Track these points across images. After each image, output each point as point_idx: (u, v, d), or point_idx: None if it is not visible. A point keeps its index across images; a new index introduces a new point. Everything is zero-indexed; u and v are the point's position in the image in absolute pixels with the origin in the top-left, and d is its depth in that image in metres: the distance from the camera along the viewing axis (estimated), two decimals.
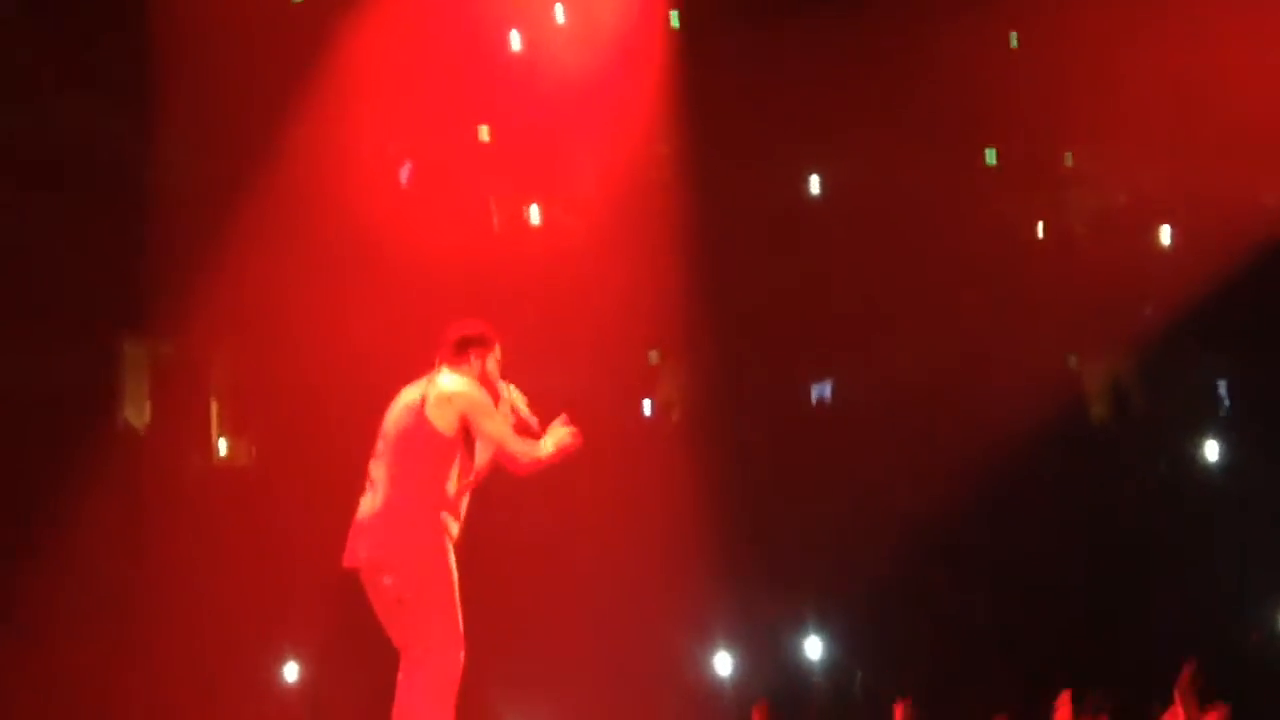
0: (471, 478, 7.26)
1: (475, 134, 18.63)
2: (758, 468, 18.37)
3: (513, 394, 7.52)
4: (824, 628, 18.95)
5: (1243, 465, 20.62)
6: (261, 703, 15.39)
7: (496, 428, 7.18)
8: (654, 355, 21.16)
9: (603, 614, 16.38)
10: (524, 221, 19.41)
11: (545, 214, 19.63)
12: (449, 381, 7.22)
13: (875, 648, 18.54)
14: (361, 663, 15.27)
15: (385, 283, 16.22)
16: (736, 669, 18.57)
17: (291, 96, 16.60)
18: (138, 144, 17.24)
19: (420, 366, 7.54)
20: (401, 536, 7.03)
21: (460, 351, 7.40)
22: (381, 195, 17.68)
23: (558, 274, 17.70)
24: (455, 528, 7.21)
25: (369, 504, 7.18)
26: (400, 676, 7.06)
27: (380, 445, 7.26)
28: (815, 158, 20.68)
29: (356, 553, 7.15)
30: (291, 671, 16.76)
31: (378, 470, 7.20)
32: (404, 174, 18.94)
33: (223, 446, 18.80)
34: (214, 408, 18.91)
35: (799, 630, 18.95)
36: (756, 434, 18.85)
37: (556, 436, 7.30)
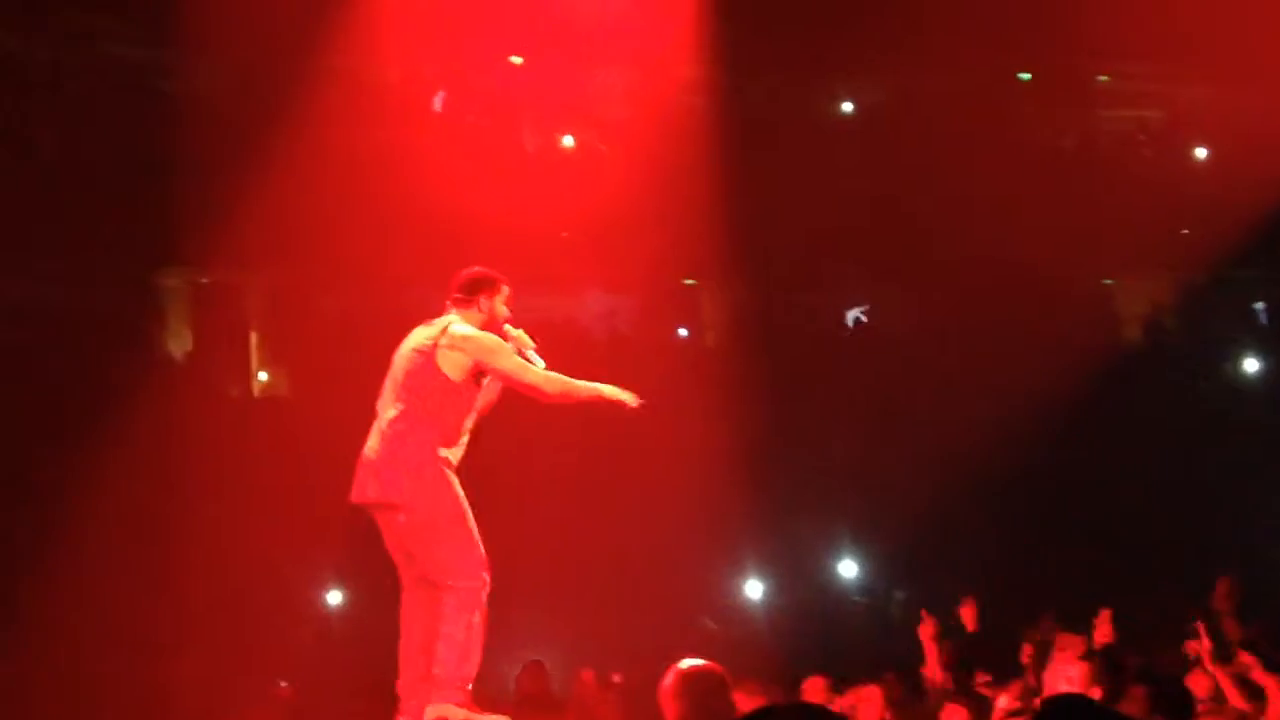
0: (472, 418, 7.29)
1: (508, 60, 18.51)
2: (791, 392, 18.27)
3: (520, 336, 7.55)
4: (859, 551, 18.93)
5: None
6: (298, 630, 15.44)
7: (512, 364, 7.25)
8: (690, 280, 21.12)
9: (638, 538, 16.37)
10: (557, 147, 19.32)
11: (579, 140, 19.54)
12: (460, 328, 7.27)
13: (910, 571, 18.52)
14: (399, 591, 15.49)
15: (420, 209, 16.14)
16: (770, 592, 18.59)
17: (326, 24, 16.49)
18: (175, 74, 17.20)
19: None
20: (406, 474, 7.11)
21: (470, 295, 7.43)
22: (416, 122, 17.60)
23: (591, 200, 17.58)
24: (456, 458, 7.26)
25: (374, 443, 7.24)
26: (436, 608, 7.12)
27: (387, 385, 7.32)
28: (849, 80, 20.51)
29: (365, 490, 7.22)
30: (333, 598, 16.86)
31: (384, 409, 7.27)
32: (438, 101, 18.87)
33: (262, 377, 18.87)
34: (253, 339, 18.96)
35: (834, 553, 18.93)
36: (791, 358, 18.74)
37: (611, 389, 7.38)
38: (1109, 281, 21.68)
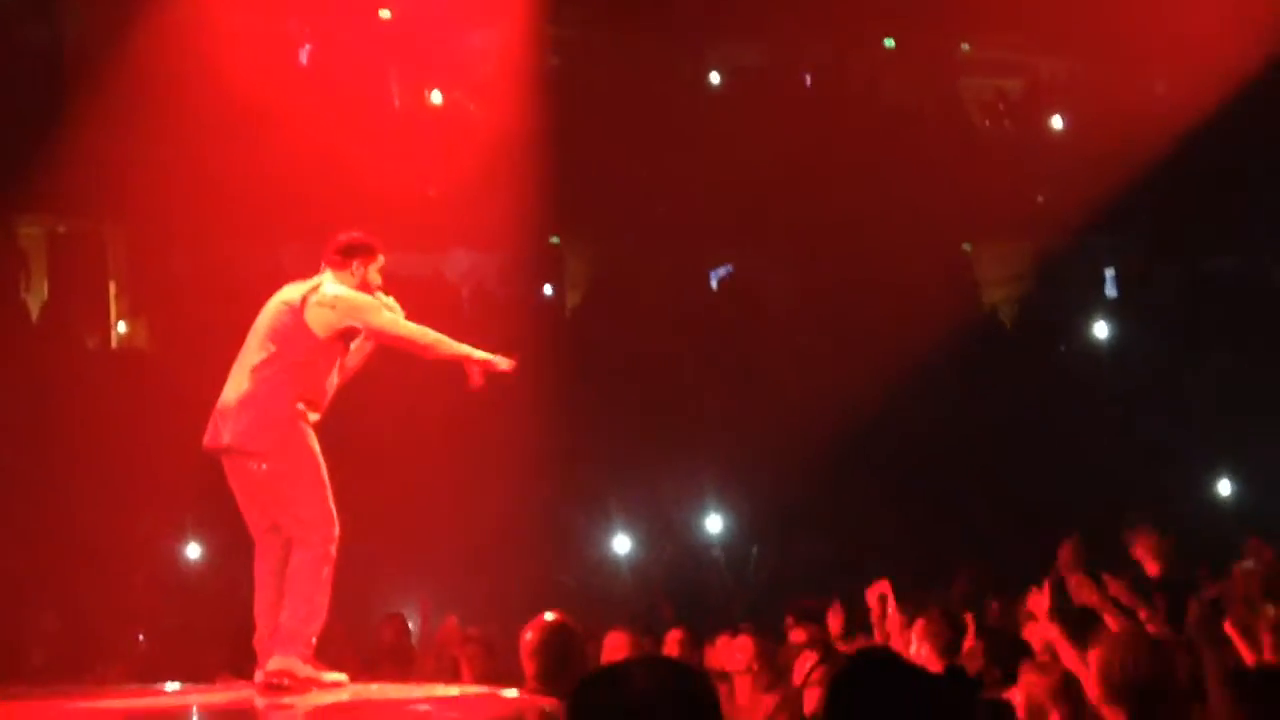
0: (335, 379, 7.35)
1: (376, 15, 18.33)
2: (657, 351, 18.35)
3: (390, 304, 7.57)
4: (725, 508, 19.06)
5: (1130, 347, 20.97)
6: (158, 582, 15.25)
7: (384, 320, 7.32)
8: (555, 239, 21.10)
9: (503, 498, 16.37)
10: (426, 104, 19.18)
11: (447, 97, 19.40)
12: (332, 287, 7.29)
13: (772, 528, 18.70)
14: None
15: (286, 163, 15.94)
16: (636, 548, 18.68)
17: None
18: (38, 21, 16.84)
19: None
20: (265, 423, 7.13)
21: (345, 258, 7.42)
22: (282, 75, 17.37)
23: (458, 158, 17.48)
24: (315, 416, 7.28)
25: (233, 390, 7.23)
26: (286, 559, 7.18)
27: (251, 336, 7.32)
28: (717, 43, 20.56)
29: (218, 436, 7.21)
30: (192, 550, 16.67)
31: (245, 359, 7.27)
32: (304, 54, 18.65)
33: (121, 328, 18.58)
34: (112, 289, 18.65)
35: (700, 510, 19.06)
36: (655, 317, 18.81)
37: (482, 353, 7.46)
38: (967, 247, 21.99)
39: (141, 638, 14.21)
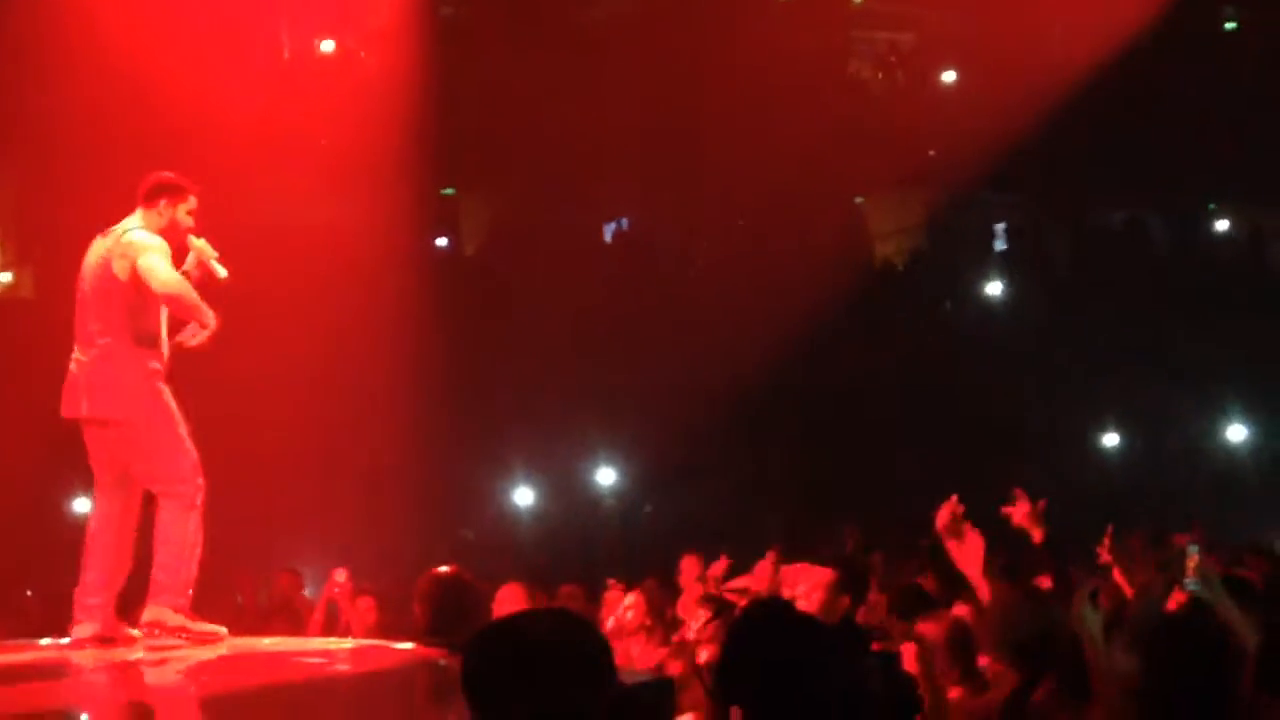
0: (165, 319, 7.23)
1: None
2: (550, 303, 18.31)
3: (203, 246, 7.43)
4: (618, 463, 19.12)
5: (1019, 302, 21.23)
6: (46, 539, 15.01)
7: (146, 262, 7.06)
8: (449, 190, 20.98)
9: (401, 451, 16.31)
10: (316, 52, 18.96)
11: (339, 46, 19.19)
12: (131, 235, 7.15)
13: (663, 481, 18.80)
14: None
15: (173, 111, 15.68)
16: (534, 501, 18.71)
17: None
18: None
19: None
20: (117, 390, 7.10)
21: (151, 199, 7.30)
22: (169, 24, 17.07)
23: (349, 107, 17.31)
24: (161, 364, 7.22)
25: (82, 357, 7.18)
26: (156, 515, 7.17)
27: (81, 301, 7.22)
28: None
29: (76, 406, 7.18)
30: (80, 505, 16.47)
31: (84, 325, 7.19)
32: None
33: (5, 278, 18.28)
34: None
35: (591, 463, 19.10)
36: (549, 269, 18.75)
37: (209, 318, 7.15)
38: (860, 199, 22.12)
39: (29, 593, 14.02)
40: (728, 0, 19.44)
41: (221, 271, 7.40)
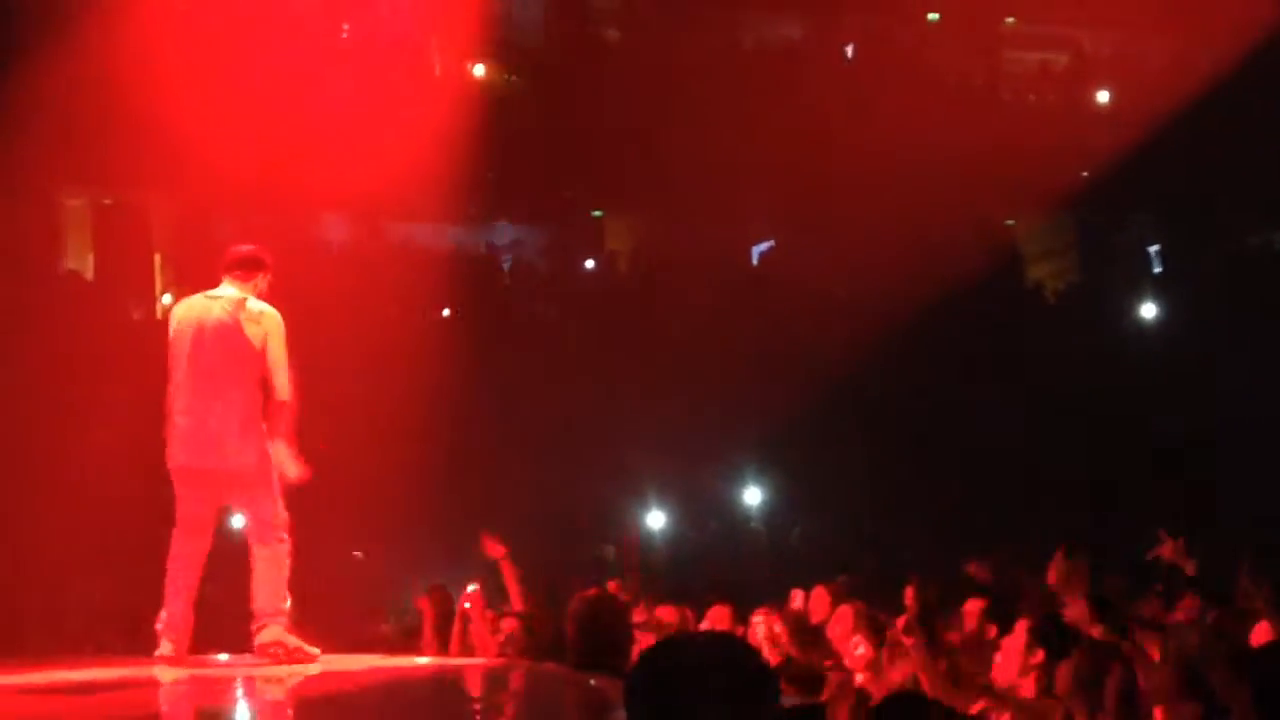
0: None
1: None
2: (697, 320, 18.30)
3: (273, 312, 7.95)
4: (762, 481, 19.06)
5: (1174, 325, 20.80)
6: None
7: (280, 353, 7.67)
8: (598, 212, 21.10)
9: (545, 472, 16.40)
10: (467, 75, 19.16)
11: (489, 70, 19.39)
12: (255, 303, 7.70)
13: (810, 501, 18.69)
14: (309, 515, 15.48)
15: (328, 135, 15.95)
16: (672, 522, 18.68)
17: None
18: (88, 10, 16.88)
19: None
20: (256, 447, 7.60)
21: (249, 272, 7.81)
22: (324, 51, 17.38)
23: (500, 131, 17.48)
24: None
25: (220, 415, 7.61)
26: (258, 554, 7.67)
27: (204, 357, 7.63)
28: (765, 16, 20.48)
29: (207, 456, 7.61)
30: (237, 521, 16.74)
31: (218, 383, 7.63)
32: (345, 32, 18.68)
33: (166, 300, 18.61)
34: (157, 260, 18.70)
35: (738, 483, 19.05)
36: (698, 293, 18.75)
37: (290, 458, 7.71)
38: (1011, 222, 21.87)
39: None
40: (878, 23, 19.33)
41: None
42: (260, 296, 7.72)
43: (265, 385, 7.56)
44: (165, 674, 7.32)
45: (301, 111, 16.20)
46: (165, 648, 7.51)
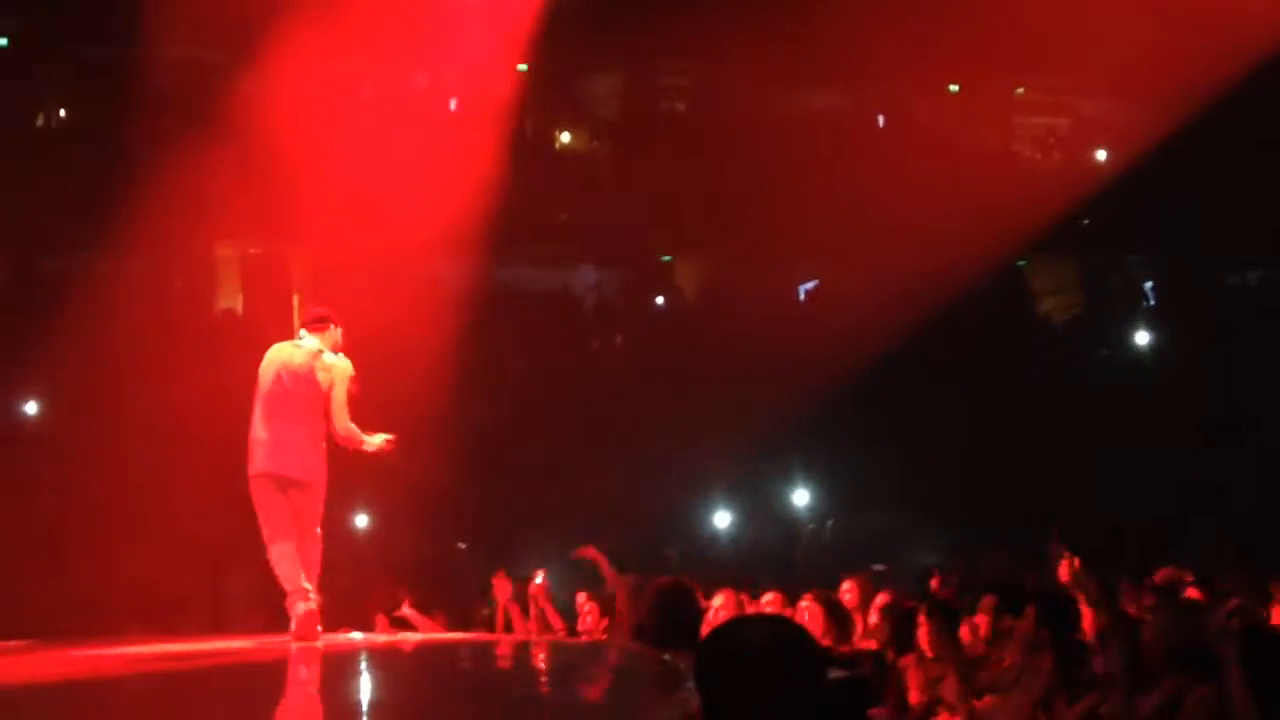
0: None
1: (514, 68, 18.43)
2: (751, 347, 18.28)
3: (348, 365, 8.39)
4: (810, 484, 19.02)
5: (1167, 351, 20.60)
6: (332, 543, 15.35)
7: (343, 397, 8.27)
8: (667, 257, 21.12)
9: (631, 484, 16.44)
10: (557, 142, 19.27)
11: (574, 136, 19.48)
12: (329, 355, 8.29)
13: (851, 501, 18.64)
14: (420, 515, 15.69)
15: (438, 188, 16.06)
16: (734, 522, 18.66)
17: (357, 35, 16.37)
18: (237, 82, 17.11)
19: None
20: (317, 459, 8.20)
21: (323, 325, 8.40)
22: (434, 122, 17.52)
23: (584, 188, 17.58)
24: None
25: (292, 432, 8.16)
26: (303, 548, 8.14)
27: (275, 385, 8.19)
28: (803, 85, 20.46)
29: (290, 467, 8.15)
30: (360, 520, 16.91)
31: (284, 405, 8.17)
32: (453, 103, 18.80)
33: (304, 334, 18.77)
34: (295, 301, 18.88)
35: (788, 486, 19.03)
36: (751, 320, 18.74)
37: (376, 443, 8.40)
38: (1022, 263, 21.73)
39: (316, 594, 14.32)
40: (905, 95, 19.29)
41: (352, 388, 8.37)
42: (334, 343, 8.32)
43: (326, 416, 8.16)
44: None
45: (415, 171, 16.34)
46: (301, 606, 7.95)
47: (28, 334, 15.84)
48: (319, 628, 8.00)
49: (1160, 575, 8.89)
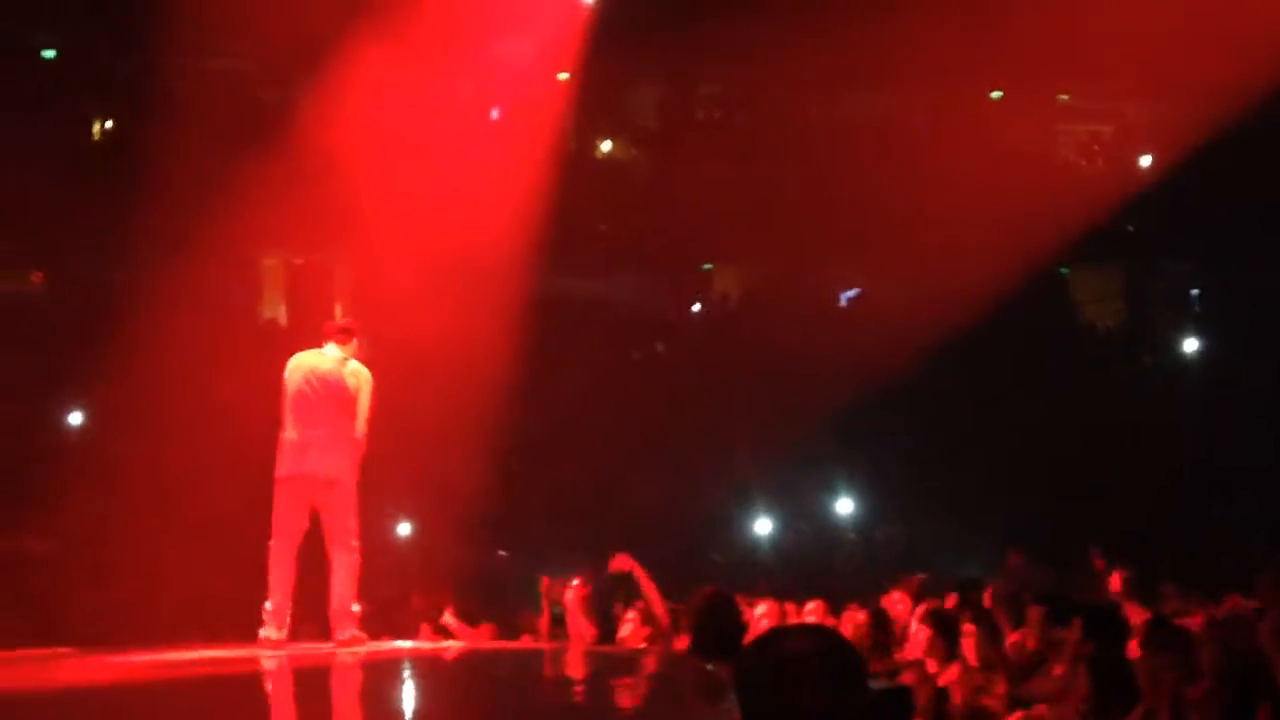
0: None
1: (555, 77, 18.48)
2: (793, 354, 18.23)
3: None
4: (852, 493, 18.95)
5: (1214, 358, 20.42)
6: (374, 552, 15.41)
7: (369, 402, 8.58)
8: (708, 265, 21.09)
9: (668, 492, 16.43)
10: (597, 153, 19.28)
11: (615, 145, 19.49)
12: (355, 363, 8.65)
13: (886, 511, 18.57)
14: (462, 523, 15.72)
15: (477, 204, 16.11)
16: (775, 530, 18.60)
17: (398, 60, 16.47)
18: (283, 94, 17.25)
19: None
20: (347, 458, 8.46)
21: (347, 337, 8.75)
22: (476, 132, 17.58)
23: (624, 198, 17.58)
24: None
25: (323, 432, 8.43)
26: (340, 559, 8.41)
27: (303, 389, 8.47)
28: (844, 93, 20.42)
29: (319, 466, 8.38)
30: (403, 529, 16.97)
31: (314, 409, 8.44)
32: (494, 113, 18.86)
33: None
34: (338, 309, 18.99)
35: (829, 495, 18.96)
36: (792, 327, 18.69)
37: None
38: (1065, 270, 21.60)
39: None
40: (950, 101, 19.20)
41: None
42: (355, 353, 8.66)
43: (353, 418, 8.42)
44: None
45: (458, 181, 16.39)
46: (269, 631, 8.22)
47: (73, 345, 15.99)
48: (283, 651, 8.16)
49: (1225, 608, 8.69)
